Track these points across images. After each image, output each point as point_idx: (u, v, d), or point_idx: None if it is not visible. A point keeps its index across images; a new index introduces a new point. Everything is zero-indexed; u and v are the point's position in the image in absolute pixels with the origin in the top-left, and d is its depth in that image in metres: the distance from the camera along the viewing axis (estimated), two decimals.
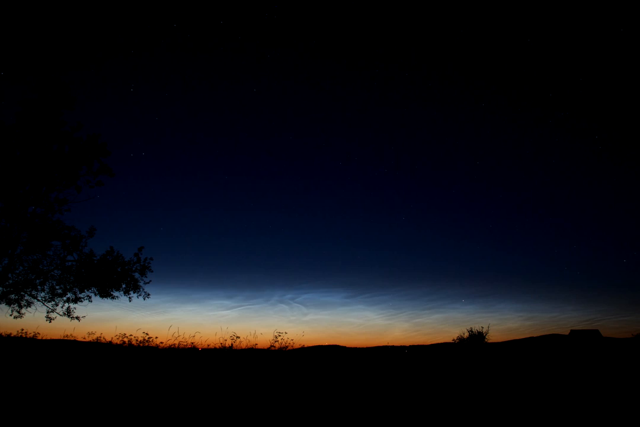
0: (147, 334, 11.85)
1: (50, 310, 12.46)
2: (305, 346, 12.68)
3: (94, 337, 12.64)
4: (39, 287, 12.27)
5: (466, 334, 19.74)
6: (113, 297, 12.70)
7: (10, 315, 12.28)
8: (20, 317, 12.40)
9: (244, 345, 11.51)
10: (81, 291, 12.57)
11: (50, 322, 12.51)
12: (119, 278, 12.58)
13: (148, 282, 13.04)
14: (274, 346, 11.48)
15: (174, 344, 11.75)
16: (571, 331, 29.66)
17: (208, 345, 11.87)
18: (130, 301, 12.79)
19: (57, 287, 12.42)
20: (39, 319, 12.60)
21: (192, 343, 11.85)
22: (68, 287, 12.43)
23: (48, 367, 8.40)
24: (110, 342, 12.26)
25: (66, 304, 12.57)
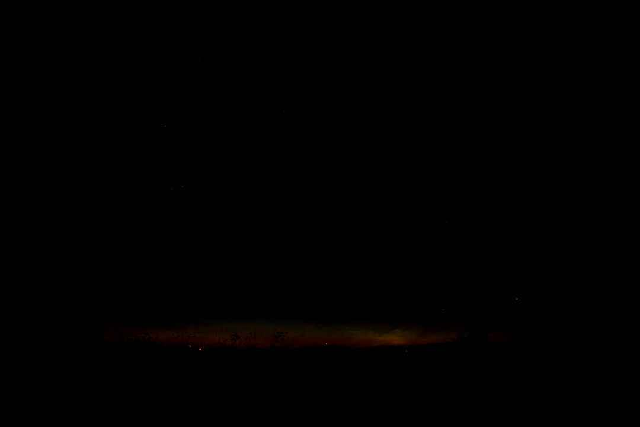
0: (147, 334, 11.85)
1: None
2: (306, 345, 12.73)
3: (94, 336, 12.63)
4: None
5: (466, 334, 19.66)
6: None
7: None
8: None
9: (244, 345, 11.55)
10: None
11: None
12: None
13: None
14: (275, 346, 11.52)
15: (175, 344, 11.76)
16: None
17: (208, 345, 11.90)
18: None
19: None
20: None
21: (193, 343, 11.88)
22: None
23: (50, 366, 8.41)
24: (111, 341, 12.25)
25: None
